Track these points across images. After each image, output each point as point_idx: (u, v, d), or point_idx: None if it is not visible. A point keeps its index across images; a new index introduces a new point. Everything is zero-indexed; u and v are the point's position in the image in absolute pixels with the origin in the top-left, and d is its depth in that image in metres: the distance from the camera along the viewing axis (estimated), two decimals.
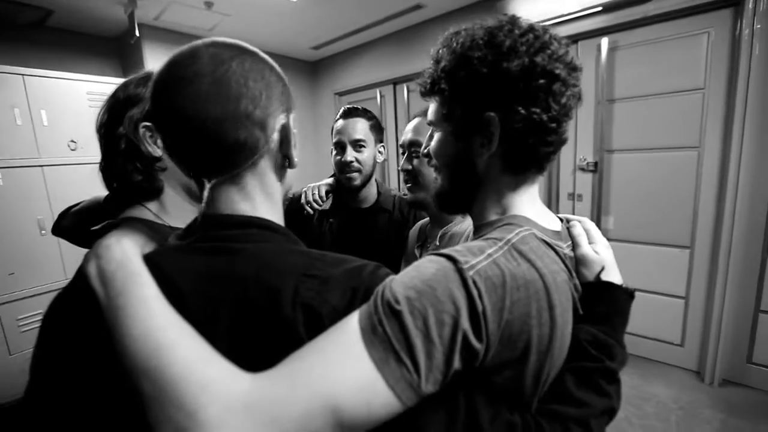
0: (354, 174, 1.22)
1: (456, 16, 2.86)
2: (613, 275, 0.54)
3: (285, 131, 0.50)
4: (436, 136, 0.60)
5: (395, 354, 0.37)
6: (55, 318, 0.47)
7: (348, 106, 1.27)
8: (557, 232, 0.56)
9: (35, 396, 0.47)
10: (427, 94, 0.58)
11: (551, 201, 2.71)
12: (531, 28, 0.51)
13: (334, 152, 1.26)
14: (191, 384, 0.34)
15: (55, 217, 0.89)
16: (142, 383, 0.35)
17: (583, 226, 0.59)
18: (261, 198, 0.50)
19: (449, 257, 0.43)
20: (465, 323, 0.40)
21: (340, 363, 0.36)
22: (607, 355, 0.48)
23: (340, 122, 1.25)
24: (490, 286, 0.41)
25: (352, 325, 0.39)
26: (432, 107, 0.59)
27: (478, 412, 0.41)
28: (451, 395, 0.42)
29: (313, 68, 4.03)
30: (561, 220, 0.62)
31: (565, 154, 2.61)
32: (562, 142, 0.54)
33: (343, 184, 1.25)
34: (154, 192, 0.68)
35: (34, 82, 2.18)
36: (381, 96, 3.58)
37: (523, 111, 0.49)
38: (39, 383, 0.47)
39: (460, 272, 0.41)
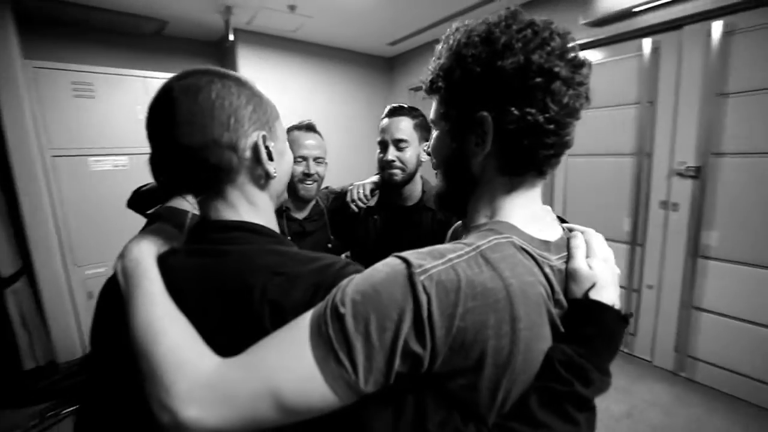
0: (395, 171, 1.23)
1: (535, 6, 2.68)
2: (604, 294, 0.48)
3: (256, 150, 0.54)
4: (434, 134, 0.60)
5: (335, 354, 0.40)
6: (105, 297, 0.57)
7: (395, 104, 1.28)
8: (546, 242, 0.52)
9: (91, 360, 0.58)
10: (427, 92, 0.58)
11: (638, 209, 2.42)
12: (531, 23, 0.48)
13: (378, 150, 1.28)
14: (170, 364, 0.42)
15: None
16: (140, 362, 0.43)
17: (585, 238, 0.54)
18: (245, 207, 0.56)
19: (405, 260, 0.43)
20: (406, 329, 0.40)
21: (287, 357, 0.41)
22: (581, 379, 0.43)
23: (385, 121, 1.26)
24: (441, 291, 0.40)
25: (304, 322, 0.42)
26: (432, 106, 0.59)
27: (426, 415, 0.42)
28: (400, 395, 0.43)
29: (389, 64, 4.09)
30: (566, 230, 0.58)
31: (660, 156, 2.30)
32: (565, 144, 0.51)
33: (386, 182, 1.27)
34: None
35: (152, 83, 2.59)
36: None
37: (516, 111, 0.46)
38: (93, 350, 0.57)
39: (410, 277, 0.41)
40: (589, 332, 0.46)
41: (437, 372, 0.42)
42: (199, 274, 0.51)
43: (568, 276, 0.50)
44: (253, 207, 0.57)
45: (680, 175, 2.22)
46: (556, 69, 0.45)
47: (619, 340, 0.48)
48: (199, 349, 0.44)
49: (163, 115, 0.51)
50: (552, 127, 0.47)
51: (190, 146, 0.50)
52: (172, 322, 0.45)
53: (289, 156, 0.64)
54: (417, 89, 3.92)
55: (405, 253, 0.44)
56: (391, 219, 1.31)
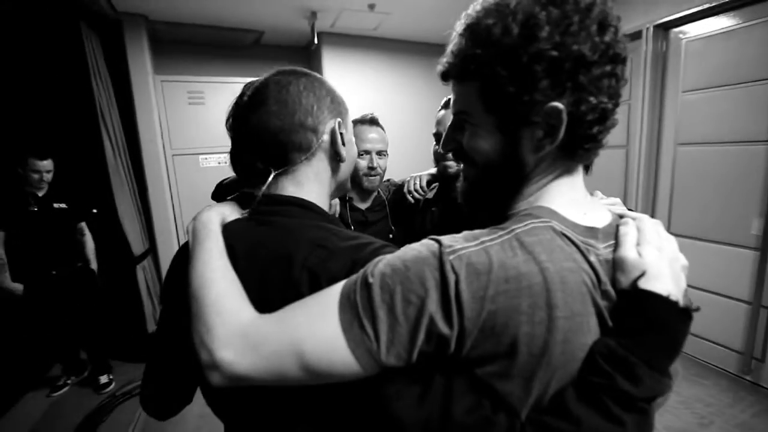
0: (450, 163, 1.20)
1: None
2: (657, 284, 0.41)
3: (333, 134, 0.63)
4: (471, 129, 0.51)
5: (359, 321, 0.41)
6: (177, 259, 0.66)
7: (450, 96, 1.23)
8: (592, 229, 0.47)
9: (161, 326, 0.68)
10: (455, 76, 0.51)
11: None
12: (592, 4, 0.43)
13: (434, 142, 1.25)
14: (214, 310, 0.47)
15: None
16: (191, 304, 0.49)
17: (637, 225, 0.48)
18: (311, 185, 0.64)
19: (438, 241, 0.43)
20: (432, 306, 0.39)
21: (315, 317, 0.43)
22: (624, 374, 0.38)
23: (441, 113, 1.23)
24: (471, 272, 0.40)
25: (336, 289, 0.44)
26: (462, 94, 0.52)
27: (452, 399, 0.41)
28: (428, 375, 0.43)
29: None
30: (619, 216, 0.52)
31: None
32: (610, 127, 0.48)
33: (442, 174, 1.24)
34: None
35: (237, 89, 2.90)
36: None
37: (594, 100, 0.43)
38: (163, 316, 0.68)
39: (440, 255, 0.41)
40: (636, 324, 0.41)
41: (467, 356, 0.41)
42: (251, 238, 0.58)
43: (615, 265, 0.45)
44: (318, 186, 0.64)
45: None
46: (622, 52, 0.44)
47: (679, 336, 0.42)
48: (241, 301, 0.49)
49: (258, 103, 0.60)
50: (616, 113, 0.46)
51: (281, 128, 0.60)
52: (223, 275, 0.51)
53: (354, 148, 0.72)
54: None
55: (442, 236, 0.44)
56: (449, 212, 1.28)
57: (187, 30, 2.94)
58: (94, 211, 2.63)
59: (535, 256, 0.41)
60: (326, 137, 0.63)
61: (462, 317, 0.39)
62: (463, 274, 0.39)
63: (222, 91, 2.94)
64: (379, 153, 1.36)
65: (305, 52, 3.55)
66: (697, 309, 0.42)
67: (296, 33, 3.17)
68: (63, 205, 2.38)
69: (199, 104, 2.90)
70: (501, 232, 0.43)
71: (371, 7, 2.73)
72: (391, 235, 1.39)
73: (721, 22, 2.16)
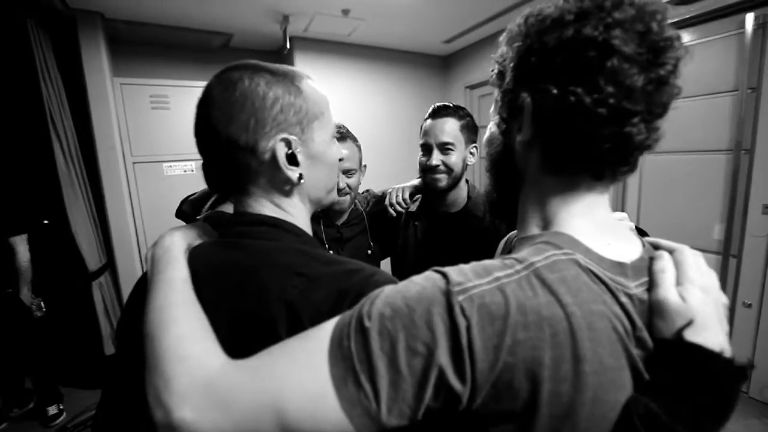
0: (440, 176, 1.14)
1: None
2: (708, 336, 0.36)
3: (273, 152, 0.50)
4: (489, 129, 0.54)
5: (354, 375, 0.34)
6: (136, 291, 0.57)
7: (439, 104, 1.19)
8: (621, 264, 0.41)
9: (117, 355, 0.58)
10: (492, 84, 0.51)
11: (733, 214, 2.07)
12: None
13: (420, 153, 1.20)
14: (174, 356, 0.38)
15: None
16: (146, 347, 0.41)
17: (676, 258, 0.42)
18: (270, 206, 0.54)
19: (444, 275, 0.37)
20: (442, 357, 0.34)
21: (301, 368, 0.35)
22: None
23: (429, 122, 1.17)
24: (485, 316, 0.34)
25: (325, 331, 0.37)
26: None
27: None
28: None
29: (445, 62, 3.98)
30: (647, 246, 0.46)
31: (764, 152, 1.95)
32: (630, 140, 0.39)
33: (429, 186, 1.19)
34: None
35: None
36: None
37: (555, 90, 0.39)
38: (119, 345, 0.58)
39: (448, 295, 0.35)
40: (683, 384, 0.35)
41: (478, 412, 0.35)
42: (219, 265, 0.50)
43: (653, 309, 0.39)
44: (279, 209, 0.55)
45: None
46: (615, 41, 0.36)
47: (733, 401, 0.36)
48: (207, 343, 0.40)
49: (204, 107, 0.52)
50: (603, 111, 0.37)
51: (215, 143, 0.51)
52: (186, 312, 0.43)
53: (332, 157, 0.59)
54: (473, 87, 3.76)
55: (447, 268, 0.38)
56: (433, 226, 1.23)
57: (150, 30, 2.77)
58: (45, 222, 2.40)
59: (560, 298, 0.35)
60: (268, 156, 0.51)
61: (474, 369, 0.33)
62: (475, 318, 0.34)
63: (188, 95, 2.78)
64: (348, 173, 1.23)
65: (277, 57, 3.44)
66: (752, 366, 0.38)
67: (268, 37, 3.07)
68: None
69: (164, 109, 2.73)
70: (518, 266, 0.38)
71: (345, 12, 2.67)
72: (369, 251, 1.32)
73: (686, 37, 2.25)
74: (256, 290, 0.46)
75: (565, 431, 0.34)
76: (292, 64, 3.20)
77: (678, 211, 2.36)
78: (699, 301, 0.37)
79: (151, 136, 2.71)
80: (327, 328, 0.38)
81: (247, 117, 0.49)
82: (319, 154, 0.56)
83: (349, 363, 0.35)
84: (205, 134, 0.52)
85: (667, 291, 0.39)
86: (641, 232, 0.85)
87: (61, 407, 2.36)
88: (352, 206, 1.35)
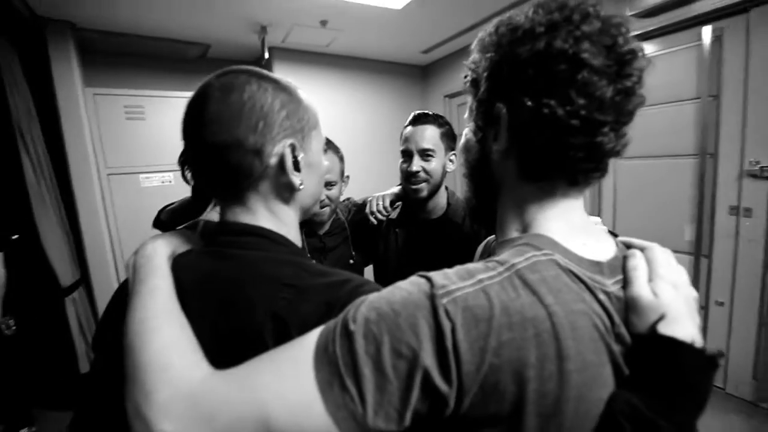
0: (421, 185, 1.16)
1: None
2: (679, 328, 0.37)
3: (282, 158, 0.51)
4: (464, 136, 0.55)
5: (340, 379, 0.34)
6: (115, 299, 0.55)
7: (419, 111, 1.21)
8: (597, 263, 0.43)
9: (94, 371, 0.56)
10: (467, 91, 0.52)
11: (702, 216, 2.16)
12: (562, 6, 0.41)
13: (401, 160, 1.22)
14: (155, 367, 0.37)
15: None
16: (126, 359, 0.40)
17: (647, 256, 0.44)
18: (265, 214, 0.54)
19: (429, 279, 0.37)
20: (427, 359, 0.34)
21: (285, 377, 0.35)
22: None
23: (409, 129, 1.20)
24: (469, 319, 0.35)
25: (310, 339, 0.37)
26: None
27: None
28: None
29: (423, 72, 4.04)
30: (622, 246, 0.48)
31: (727, 156, 2.04)
32: (600, 149, 0.41)
33: (409, 194, 1.20)
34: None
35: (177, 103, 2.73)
36: None
37: (530, 102, 0.40)
38: (96, 356, 0.56)
39: (432, 298, 0.35)
40: (663, 378, 0.37)
41: (465, 415, 0.35)
42: (204, 275, 0.49)
43: (628, 305, 0.41)
44: (273, 216, 0.54)
45: (753, 176, 1.95)
46: (585, 56, 0.38)
47: (707, 390, 0.38)
48: (191, 355, 0.40)
49: (195, 111, 0.50)
50: (576, 122, 0.39)
51: (214, 144, 0.49)
52: (169, 322, 0.42)
53: (323, 167, 0.61)
54: (452, 96, 3.83)
55: (432, 273, 0.39)
56: (414, 233, 1.24)
57: (124, 40, 2.72)
58: (14, 237, 2.29)
59: (541, 298, 0.36)
60: (274, 161, 0.51)
61: (460, 371, 0.34)
62: (460, 320, 0.34)
63: (164, 106, 2.73)
64: (328, 184, 1.24)
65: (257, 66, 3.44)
66: (721, 355, 0.39)
67: (245, 47, 3.05)
68: None
69: (139, 119, 2.68)
70: (500, 268, 0.39)
71: (323, 23, 2.69)
72: (351, 261, 1.32)
73: (650, 48, 2.35)
74: (243, 302, 0.46)
75: (552, 429, 0.35)
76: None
77: (651, 214, 2.44)
78: (669, 295, 0.39)
79: (126, 148, 2.65)
80: (312, 336, 0.38)
81: (256, 119, 0.49)
82: (314, 163, 0.57)
83: (335, 367, 0.35)
84: (203, 136, 0.49)
85: (640, 287, 0.40)
86: (614, 236, 0.88)
87: (33, 430, 2.25)
88: (334, 216, 1.35)
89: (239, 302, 0.46)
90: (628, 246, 0.48)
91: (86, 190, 2.51)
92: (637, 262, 0.43)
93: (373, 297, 0.38)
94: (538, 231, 0.45)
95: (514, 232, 0.48)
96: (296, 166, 0.53)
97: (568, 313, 0.37)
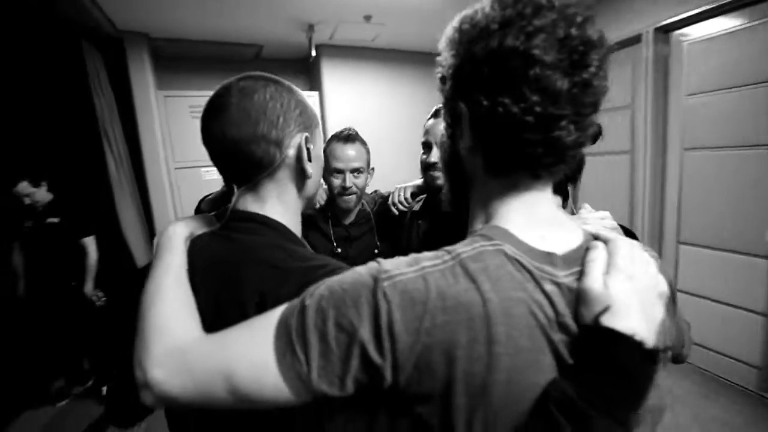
0: (438, 173, 1.16)
1: None
2: (621, 321, 0.37)
3: (299, 149, 0.60)
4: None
5: (291, 345, 0.39)
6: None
7: (440, 105, 1.21)
8: (549, 254, 0.43)
9: None
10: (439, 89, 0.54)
11: None
12: (517, 0, 0.40)
13: (422, 151, 1.23)
14: (156, 328, 0.46)
15: None
16: (138, 320, 0.48)
17: (609, 248, 0.43)
18: (274, 201, 0.61)
19: (380, 264, 0.41)
20: (365, 334, 0.38)
21: (250, 341, 0.41)
22: (577, 426, 0.35)
23: (430, 121, 1.20)
24: (406, 301, 0.38)
25: (276, 312, 0.43)
26: None
27: None
28: (372, 412, 0.41)
29: None
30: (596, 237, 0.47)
31: None
32: (559, 143, 0.41)
33: (429, 185, 1.21)
34: None
35: None
36: None
37: (485, 101, 0.41)
38: None
39: (376, 281, 0.39)
40: (595, 368, 0.37)
41: (404, 391, 0.39)
42: (211, 254, 0.57)
43: (578, 296, 0.41)
44: (281, 203, 0.61)
45: None
46: (536, 52, 0.38)
47: (643, 382, 0.38)
48: (186, 320, 0.48)
49: (218, 111, 0.57)
50: (530, 119, 0.39)
51: (240, 139, 0.55)
52: (174, 293, 0.50)
53: (322, 161, 0.70)
54: None
55: (386, 260, 0.43)
56: (435, 224, 1.25)
57: (189, 46, 3.00)
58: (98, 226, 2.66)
59: (479, 285, 0.38)
60: (292, 152, 0.59)
61: (395, 349, 0.37)
62: (397, 302, 0.37)
63: None
64: (355, 172, 1.29)
65: (304, 64, 3.59)
66: (664, 350, 0.38)
67: (295, 46, 3.21)
68: (55, 220, 2.40)
69: None
70: (446, 257, 0.41)
71: (367, 18, 2.74)
72: (376, 250, 1.36)
73: (723, 23, 2.08)
74: (237, 280, 0.53)
75: (481, 409, 0.37)
76: (318, 71, 3.32)
77: (723, 213, 2.19)
78: (619, 288, 0.39)
79: (190, 144, 2.93)
80: (279, 310, 0.43)
81: (277, 116, 0.57)
82: (317, 156, 0.65)
83: (289, 335, 0.40)
84: (228, 133, 0.55)
85: (592, 279, 0.40)
86: (628, 232, 0.82)
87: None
88: (360, 206, 1.40)
89: (235, 280, 0.53)
90: (596, 238, 0.46)
91: (157, 182, 2.83)
92: (596, 254, 0.42)
93: (332, 278, 0.42)
94: (497, 223, 0.46)
95: (479, 225, 0.49)
96: (309, 156, 0.60)
97: (503, 300, 0.38)
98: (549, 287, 0.40)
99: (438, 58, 0.50)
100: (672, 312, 0.51)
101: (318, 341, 0.39)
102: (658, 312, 0.40)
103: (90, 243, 2.51)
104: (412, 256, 0.42)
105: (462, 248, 0.42)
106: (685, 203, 2.39)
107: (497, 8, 0.41)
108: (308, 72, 3.64)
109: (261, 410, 0.42)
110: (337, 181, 1.30)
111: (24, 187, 2.25)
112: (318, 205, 1.31)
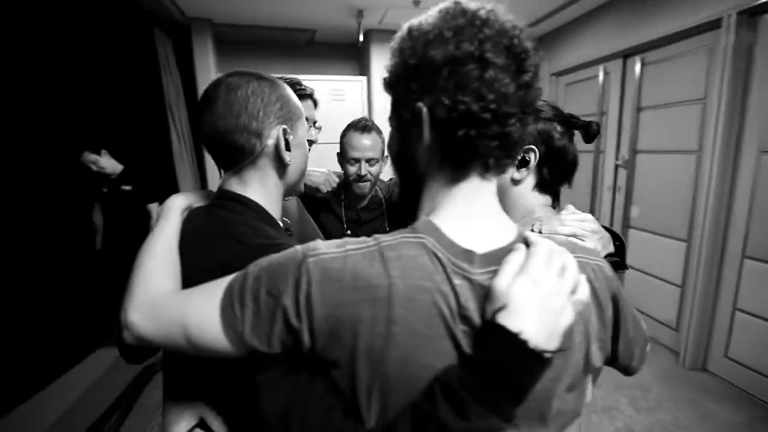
0: (365, 184, 1.25)
1: None
2: (515, 320, 0.39)
3: (278, 140, 0.66)
4: (389, 132, 0.58)
5: (232, 304, 0.46)
6: None
7: (363, 119, 1.29)
8: (469, 252, 0.45)
9: None
10: (386, 91, 0.56)
11: None
12: (464, 11, 0.45)
13: (350, 165, 1.32)
14: (141, 279, 0.56)
15: None
16: (131, 272, 0.58)
17: (530, 251, 0.44)
18: (255, 186, 0.68)
19: (315, 243, 0.47)
20: (287, 301, 0.43)
21: (203, 298, 0.49)
22: (453, 407, 0.38)
23: (365, 140, 1.29)
24: (324, 277, 0.43)
25: (228, 277, 0.50)
26: None
27: (311, 397, 0.45)
28: (298, 372, 0.47)
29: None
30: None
31: None
32: (509, 139, 0.45)
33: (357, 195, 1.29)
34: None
35: (307, 85, 3.07)
36: (605, 74, 2.96)
37: (447, 101, 0.44)
38: None
39: (303, 257, 0.45)
40: (481, 358, 0.40)
41: (320, 355, 0.44)
42: (196, 226, 0.66)
43: (487, 293, 0.44)
44: (262, 187, 0.69)
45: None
46: (489, 56, 0.42)
47: (522, 378, 0.39)
48: (164, 277, 0.57)
49: (210, 102, 0.64)
50: (488, 116, 0.43)
51: (225, 130, 0.63)
52: (162, 254, 0.60)
53: (304, 150, 0.75)
54: (560, 74, 3.46)
55: (321, 241, 0.48)
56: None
57: (248, 31, 3.19)
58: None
59: (389, 271, 0.43)
60: (271, 142, 0.65)
61: (311, 317, 0.43)
62: (317, 277, 0.43)
63: None
64: (370, 161, 1.35)
65: (354, 49, 3.65)
66: (554, 351, 0.40)
67: (346, 31, 3.27)
68: (128, 188, 2.73)
69: None
70: (371, 243, 0.46)
71: (416, 3, 2.71)
72: None
73: None
74: (209, 249, 0.61)
75: (378, 381, 0.42)
76: (367, 55, 3.36)
77: None
78: (521, 289, 0.40)
79: None
80: (231, 275, 0.50)
81: (257, 110, 0.64)
82: (299, 145, 0.71)
83: (231, 297, 0.46)
84: (216, 123, 0.63)
85: (499, 278, 0.42)
86: (614, 235, 0.78)
87: None
88: (373, 192, 1.45)
89: (206, 250, 0.61)
90: (525, 240, 0.47)
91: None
92: (512, 255, 0.44)
93: (276, 253, 0.48)
94: (432, 217, 0.49)
95: (422, 217, 0.51)
96: (287, 146, 0.66)
97: (408, 287, 0.42)
98: (458, 281, 0.43)
99: (386, 65, 0.53)
100: (607, 323, 0.51)
101: (252, 302, 0.45)
102: (565, 317, 0.42)
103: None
104: (345, 239, 0.47)
105: (386, 237, 0.46)
106: (756, 213, 2.11)
107: (447, 19, 0.44)
108: (358, 57, 3.69)
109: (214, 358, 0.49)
110: (353, 169, 1.36)
111: (88, 155, 2.58)
112: (327, 190, 1.37)
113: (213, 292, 0.48)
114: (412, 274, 0.42)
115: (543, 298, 0.40)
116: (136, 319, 0.51)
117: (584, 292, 0.44)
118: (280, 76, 1.13)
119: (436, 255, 0.44)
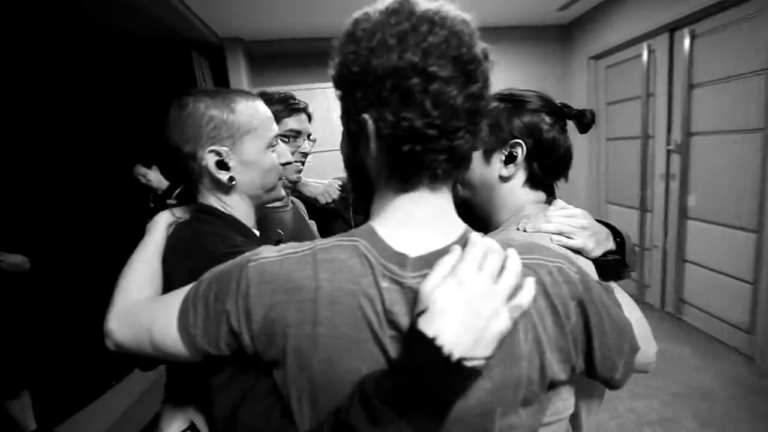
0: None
1: None
2: (437, 324, 0.36)
3: (207, 161, 0.66)
4: (341, 134, 0.55)
5: (187, 310, 0.48)
6: None
7: None
8: (401, 255, 0.43)
9: None
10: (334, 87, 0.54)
11: None
12: (411, 14, 0.40)
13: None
14: (122, 290, 0.59)
15: None
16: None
17: (467, 252, 0.41)
18: (214, 200, 0.71)
19: (261, 249, 0.48)
20: (230, 305, 0.44)
21: (167, 306, 0.50)
22: (366, 414, 0.36)
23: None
24: (261, 281, 0.43)
25: (189, 286, 0.51)
26: None
27: (252, 398, 0.46)
28: (246, 374, 0.48)
29: (566, 32, 3.51)
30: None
31: None
32: (457, 151, 0.43)
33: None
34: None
35: (329, 93, 3.14)
36: (650, 52, 2.71)
37: (390, 116, 0.41)
38: None
39: (246, 262, 0.46)
40: (399, 364, 0.39)
41: (261, 357, 0.45)
42: (175, 239, 0.70)
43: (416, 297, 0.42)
44: (220, 203, 0.71)
45: None
46: (433, 69, 0.39)
47: (441, 390, 0.37)
48: (143, 287, 0.61)
49: (168, 117, 0.68)
50: (433, 132, 0.41)
51: (172, 147, 0.68)
52: (144, 266, 0.64)
53: (267, 163, 0.72)
54: (598, 57, 3.23)
55: (270, 246, 0.49)
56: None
57: (276, 45, 3.33)
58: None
59: (318, 274, 0.42)
60: (204, 163, 0.66)
61: (249, 320, 0.43)
62: (255, 280, 0.44)
63: (312, 97, 3.22)
64: None
65: None
66: (480, 363, 0.37)
67: None
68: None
69: None
70: (307, 246, 0.46)
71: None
72: None
73: None
74: (182, 259, 0.64)
75: (306, 382, 0.41)
76: None
77: None
78: (443, 292, 0.38)
79: None
80: (193, 283, 0.52)
81: (189, 132, 0.66)
82: (250, 161, 0.69)
83: (187, 304, 0.48)
84: (168, 141, 0.68)
85: (428, 281, 0.40)
86: (611, 228, 0.70)
87: None
88: None
89: (181, 259, 0.64)
90: (465, 242, 0.44)
91: None
92: (447, 258, 0.41)
93: (231, 260, 0.49)
94: (372, 221, 0.48)
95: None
96: (223, 166, 0.66)
97: (335, 289, 0.41)
98: (386, 284, 0.41)
99: (332, 62, 0.49)
100: (568, 331, 0.44)
101: (203, 308, 0.46)
102: (498, 324, 0.38)
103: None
104: (288, 243, 0.47)
105: (323, 240, 0.45)
106: None
107: (392, 22, 0.41)
108: None
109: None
110: None
111: (139, 168, 2.80)
112: (325, 201, 1.37)
113: (174, 300, 0.50)
114: (339, 276, 0.42)
115: (469, 301, 0.37)
116: (114, 327, 0.54)
117: (526, 297, 0.39)
118: (276, 89, 1.18)
119: (367, 258, 0.42)
